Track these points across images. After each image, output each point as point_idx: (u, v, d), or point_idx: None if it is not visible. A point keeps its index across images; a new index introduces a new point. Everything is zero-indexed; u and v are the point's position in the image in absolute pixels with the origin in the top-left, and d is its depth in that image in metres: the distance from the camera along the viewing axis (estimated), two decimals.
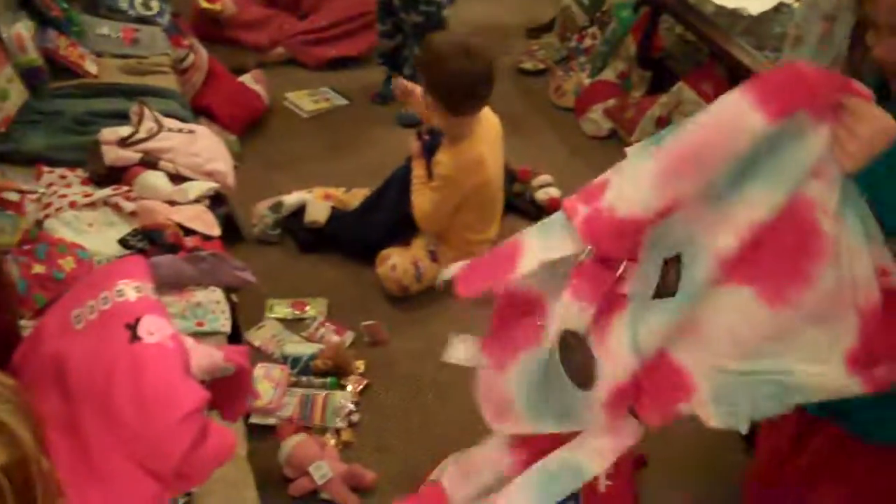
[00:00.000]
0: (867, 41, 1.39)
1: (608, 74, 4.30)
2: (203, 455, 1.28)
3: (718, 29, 3.54)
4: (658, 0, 3.88)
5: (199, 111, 3.58)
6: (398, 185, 3.15)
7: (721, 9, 3.56)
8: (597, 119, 4.13)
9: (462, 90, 2.91)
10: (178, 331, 1.34)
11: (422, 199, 3.08)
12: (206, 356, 1.41)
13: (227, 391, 1.49)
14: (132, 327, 1.29)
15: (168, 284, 2.29)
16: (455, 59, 2.88)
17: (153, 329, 1.30)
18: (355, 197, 3.34)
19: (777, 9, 3.54)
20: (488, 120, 3.14)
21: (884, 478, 1.68)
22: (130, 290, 1.35)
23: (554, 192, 3.58)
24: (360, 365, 2.79)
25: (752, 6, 3.53)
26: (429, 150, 3.11)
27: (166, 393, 1.26)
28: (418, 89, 3.13)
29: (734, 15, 3.54)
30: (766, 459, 1.99)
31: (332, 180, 3.49)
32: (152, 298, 1.38)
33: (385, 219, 3.16)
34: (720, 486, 2.51)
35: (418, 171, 3.12)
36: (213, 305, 2.29)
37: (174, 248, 2.40)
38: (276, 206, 3.28)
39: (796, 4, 3.51)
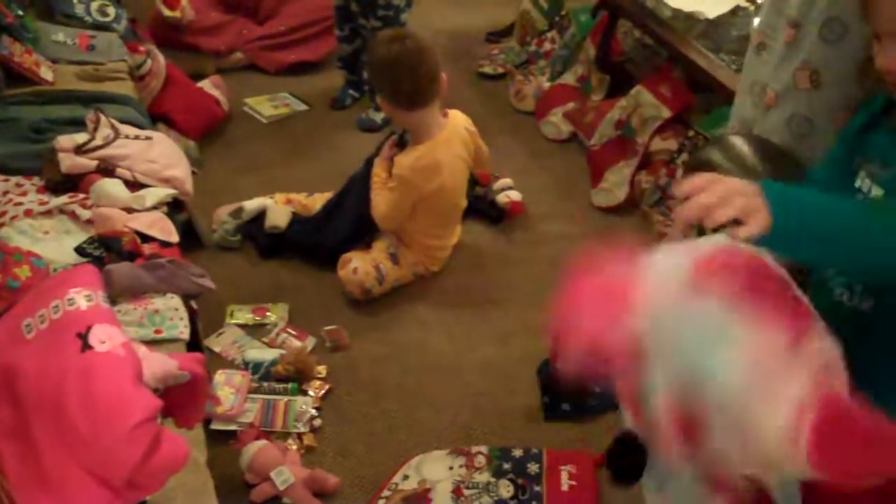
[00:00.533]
0: (872, 52, 1.36)
1: (568, 78, 4.33)
2: (156, 464, 1.27)
3: (675, 32, 3.58)
4: (616, 4, 3.91)
5: (158, 117, 3.56)
6: (357, 189, 3.15)
7: (678, 12, 3.60)
8: (557, 122, 4.15)
9: (399, 77, 2.93)
10: (130, 339, 1.34)
11: (379, 199, 3.10)
12: (160, 364, 1.40)
13: (182, 399, 1.48)
14: (83, 336, 1.29)
15: (126, 292, 2.28)
16: (387, 45, 2.96)
17: (104, 337, 1.29)
18: (317, 201, 3.33)
19: (734, 12, 3.58)
20: (456, 125, 3.15)
21: None
22: (81, 298, 1.34)
23: (514, 195, 3.60)
24: (321, 370, 2.79)
25: (709, 10, 3.56)
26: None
27: (118, 402, 1.25)
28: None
29: (691, 18, 3.58)
30: None
31: (293, 185, 3.48)
32: (104, 307, 1.37)
33: (345, 223, 3.16)
34: None
35: (380, 171, 3.12)
36: (171, 312, 2.28)
37: (132, 256, 2.39)
38: (237, 212, 3.27)
39: (752, 8, 3.56)
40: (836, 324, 1.28)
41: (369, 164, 3.19)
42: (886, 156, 1.41)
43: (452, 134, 3.12)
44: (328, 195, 3.29)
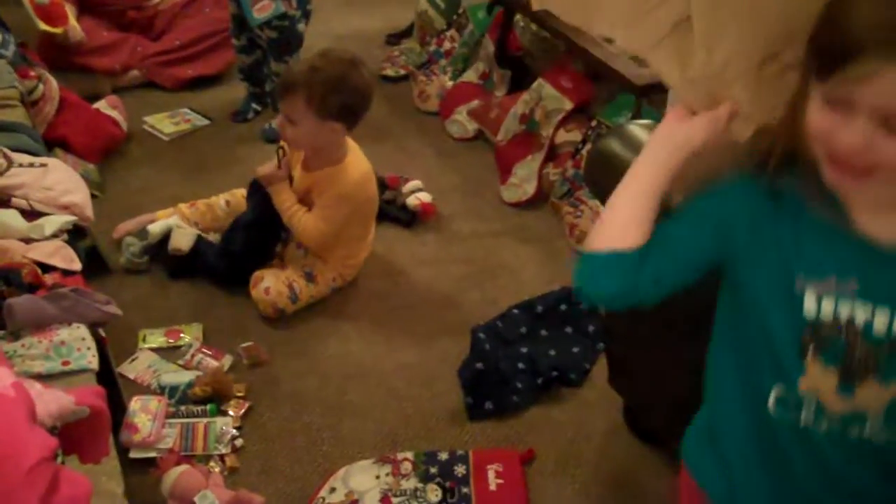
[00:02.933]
0: (815, 126, 1.17)
1: (470, 76, 4.33)
2: None
3: (570, 25, 3.59)
4: (509, 1, 3.92)
5: (54, 142, 3.48)
6: (254, 201, 3.09)
7: None
8: (462, 121, 4.15)
9: (366, 103, 2.92)
10: (19, 378, 1.29)
11: (307, 223, 3.00)
12: (55, 401, 1.35)
13: (84, 434, 1.44)
14: None
15: (29, 325, 2.22)
16: (355, 73, 2.88)
17: None
18: (220, 199, 3.34)
19: None
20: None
21: None
22: None
23: (425, 196, 3.59)
24: (240, 388, 2.74)
25: None
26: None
27: (11, 445, 1.20)
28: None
29: None
30: None
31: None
32: None
33: (246, 236, 3.10)
34: (610, 475, 2.55)
35: (286, 196, 3.03)
36: (78, 343, 2.23)
37: (33, 287, 2.33)
38: (142, 234, 3.20)
39: None
40: None
41: (256, 184, 3.13)
42: (836, 266, 1.22)
43: (353, 142, 3.10)
44: (229, 195, 3.28)
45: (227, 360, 2.86)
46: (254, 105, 4.18)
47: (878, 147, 1.10)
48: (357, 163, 3.02)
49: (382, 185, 3.49)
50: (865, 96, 1.09)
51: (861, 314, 1.20)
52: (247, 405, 2.69)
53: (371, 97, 2.94)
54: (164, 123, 4.06)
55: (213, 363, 2.83)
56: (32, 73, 3.50)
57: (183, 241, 3.16)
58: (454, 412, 2.73)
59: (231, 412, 2.65)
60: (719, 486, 1.44)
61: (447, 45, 4.52)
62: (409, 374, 2.87)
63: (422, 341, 3.00)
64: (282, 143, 3.08)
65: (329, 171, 3.01)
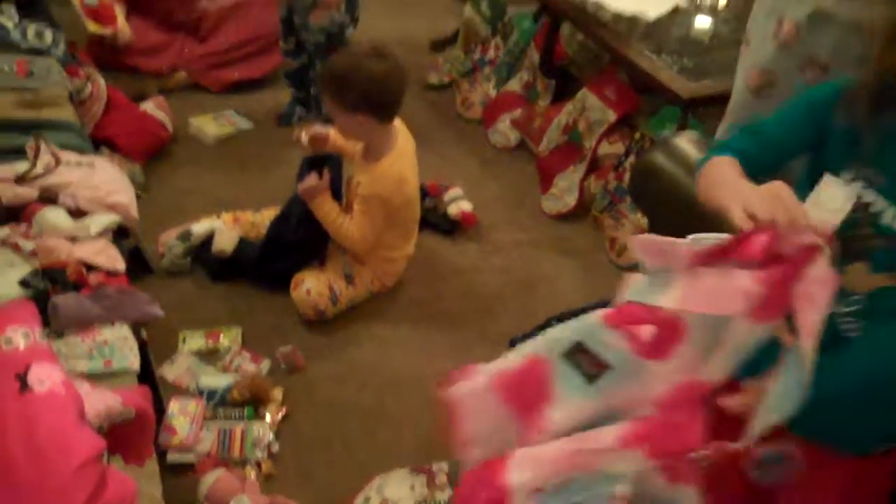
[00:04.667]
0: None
1: (513, 85, 4.32)
2: None
3: (617, 35, 3.58)
4: (557, 9, 3.90)
5: (101, 142, 3.51)
6: (300, 205, 3.09)
7: (619, 15, 3.60)
8: (504, 130, 4.14)
9: (387, 91, 2.91)
10: (70, 376, 1.30)
11: (347, 229, 3.02)
12: (102, 401, 1.36)
13: (129, 436, 1.45)
14: (22, 377, 1.25)
15: (73, 324, 2.23)
16: (371, 61, 2.88)
17: (43, 377, 1.26)
18: (265, 218, 3.29)
19: (674, 13, 3.59)
20: (404, 135, 3.13)
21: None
22: (19, 336, 1.30)
23: (465, 205, 3.58)
24: (278, 393, 2.74)
25: (650, 11, 3.57)
26: (333, 186, 3.07)
27: (61, 443, 1.22)
28: (330, 131, 3.08)
29: (632, 20, 3.58)
30: None
31: (241, 204, 3.44)
32: (42, 344, 1.33)
33: (292, 242, 3.10)
34: None
35: (326, 205, 3.03)
36: (120, 343, 2.23)
37: (77, 286, 2.34)
38: (185, 235, 3.21)
39: (686, 4, 3.59)
40: None
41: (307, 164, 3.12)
42: (878, 162, 1.42)
43: (405, 144, 3.11)
44: (275, 211, 3.24)
45: (266, 365, 2.86)
46: (298, 109, 4.19)
47: None
48: (393, 164, 3.02)
49: (423, 192, 3.48)
50: None
51: (879, 204, 1.41)
52: (284, 410, 2.69)
53: (395, 84, 2.91)
54: (208, 125, 4.09)
55: (252, 367, 2.84)
56: (81, 73, 3.53)
57: (227, 242, 3.17)
58: None
59: (268, 417, 2.66)
60: None
61: (492, 53, 4.51)
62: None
63: (460, 350, 2.99)
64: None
65: (365, 169, 3.04)
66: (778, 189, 1.30)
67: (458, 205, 3.58)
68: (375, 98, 2.90)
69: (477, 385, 1.64)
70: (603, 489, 1.37)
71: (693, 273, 1.32)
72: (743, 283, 1.26)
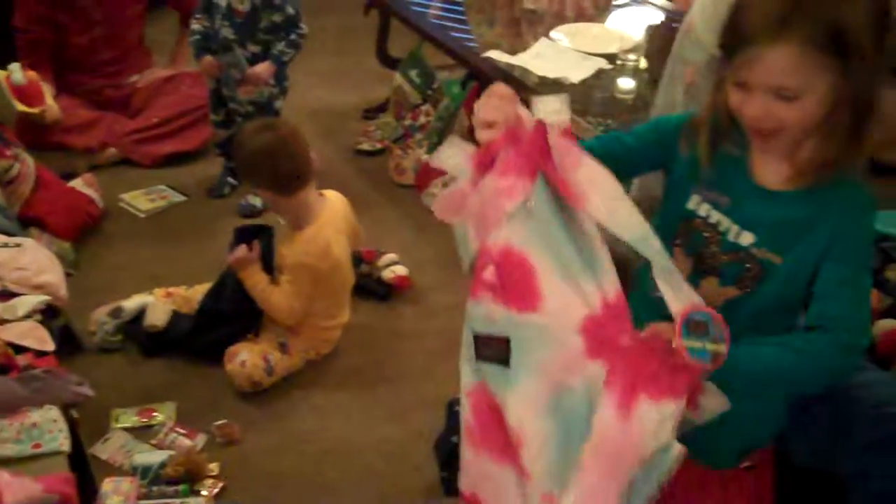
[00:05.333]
0: (731, 102, 1.48)
1: None
2: None
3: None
4: (484, 75, 3.97)
5: (29, 221, 3.48)
6: (232, 280, 3.09)
7: (544, 79, 3.68)
8: (438, 193, 4.17)
9: (278, 164, 2.95)
10: None
11: (276, 300, 3.03)
12: (22, 490, 1.35)
13: None
14: None
15: (0, 408, 2.20)
16: (258, 135, 2.97)
17: None
18: (198, 292, 3.27)
19: (597, 75, 3.68)
20: (334, 203, 3.16)
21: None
22: None
23: (401, 270, 3.59)
24: (213, 468, 2.71)
25: (573, 75, 3.65)
26: (265, 258, 3.08)
27: None
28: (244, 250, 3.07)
29: (557, 84, 3.65)
30: None
31: (175, 279, 3.42)
32: None
33: (226, 314, 3.10)
34: None
35: (256, 275, 3.04)
36: (50, 425, 2.21)
37: (5, 370, 2.31)
38: (116, 312, 3.18)
39: (609, 67, 3.67)
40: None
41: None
42: (722, 185, 1.58)
43: (333, 212, 3.14)
44: (208, 286, 3.23)
45: (201, 439, 2.83)
46: (229, 179, 4.19)
47: (777, 113, 1.42)
48: (318, 232, 3.04)
49: (358, 258, 3.49)
50: (756, 76, 1.40)
51: (724, 224, 1.56)
52: (220, 485, 2.66)
53: (283, 155, 2.95)
54: (140, 200, 4.07)
55: (187, 442, 2.81)
56: (9, 153, 3.52)
57: (159, 317, 3.14)
58: (431, 487, 2.70)
59: (204, 492, 2.62)
60: None
61: (422, 118, 4.56)
62: (387, 449, 2.85)
63: (399, 416, 2.98)
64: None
65: (290, 238, 3.08)
66: (495, 89, 1.50)
67: (394, 269, 3.59)
68: (267, 172, 2.95)
69: (465, 458, 1.62)
70: None
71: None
72: (491, 188, 1.41)
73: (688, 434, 1.45)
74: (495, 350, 1.48)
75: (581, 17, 4.10)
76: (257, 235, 3.07)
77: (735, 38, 1.42)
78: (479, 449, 1.57)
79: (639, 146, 1.66)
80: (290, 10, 3.81)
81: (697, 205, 1.60)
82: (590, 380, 1.41)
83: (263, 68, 3.83)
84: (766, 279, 1.54)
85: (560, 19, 4.06)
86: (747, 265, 1.55)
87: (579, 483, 1.40)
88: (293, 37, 3.86)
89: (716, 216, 1.58)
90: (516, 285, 1.43)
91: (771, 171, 1.54)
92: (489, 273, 1.44)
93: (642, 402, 1.35)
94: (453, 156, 1.50)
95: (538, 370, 1.45)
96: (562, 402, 1.45)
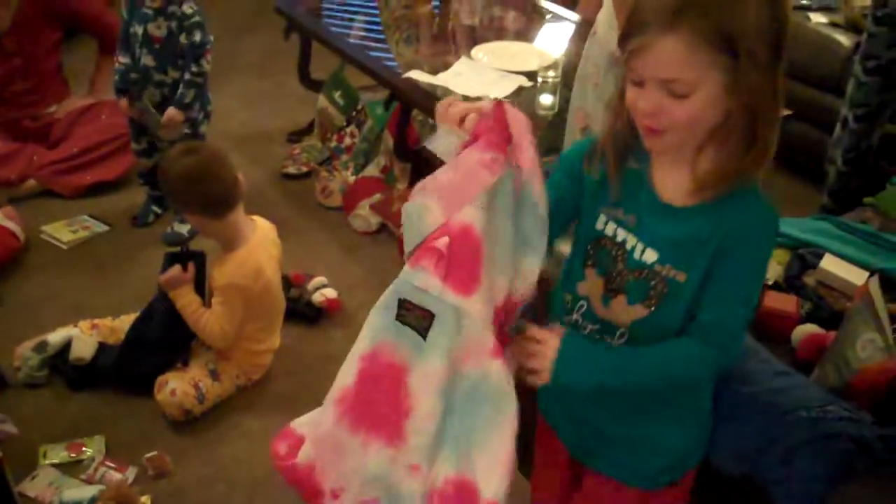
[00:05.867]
0: (628, 100, 1.50)
1: (371, 170, 4.38)
2: None
3: None
4: (406, 96, 3.99)
5: None
6: (162, 304, 3.06)
7: (466, 98, 3.70)
8: (365, 215, 4.18)
9: (206, 187, 2.94)
10: None
11: (206, 322, 3.01)
12: None
13: None
14: None
15: None
16: (183, 159, 2.96)
17: None
18: (124, 323, 3.24)
19: (517, 93, 3.72)
20: (263, 228, 3.16)
21: None
22: None
23: (330, 292, 3.59)
24: (145, 501, 2.68)
25: (494, 92, 3.68)
26: (196, 280, 3.07)
27: None
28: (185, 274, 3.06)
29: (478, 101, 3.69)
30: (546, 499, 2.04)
31: (100, 310, 3.38)
32: None
33: (154, 344, 3.06)
34: None
35: (187, 296, 3.03)
36: None
37: None
38: (41, 346, 3.12)
39: (529, 84, 3.71)
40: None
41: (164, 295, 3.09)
42: (626, 204, 1.60)
43: (262, 236, 3.14)
44: (135, 316, 3.19)
45: (132, 472, 2.80)
46: (154, 208, 4.15)
47: (668, 109, 1.43)
48: (249, 254, 3.04)
49: (287, 283, 3.48)
50: (647, 67, 1.42)
51: (630, 241, 1.57)
52: None
53: (210, 177, 2.96)
54: (62, 232, 4.01)
55: (117, 476, 2.77)
56: None
57: (85, 349, 3.10)
58: None
59: None
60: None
61: (347, 140, 4.57)
62: None
63: None
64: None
65: (222, 260, 3.07)
66: (446, 103, 1.55)
67: (323, 292, 3.59)
68: (195, 197, 2.95)
69: (321, 426, 1.68)
70: None
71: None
72: (473, 159, 1.45)
73: (607, 455, 1.71)
74: (417, 319, 1.52)
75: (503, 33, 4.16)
76: (189, 260, 3.06)
77: (631, 28, 1.43)
78: (343, 417, 1.63)
79: (560, 195, 1.64)
80: (197, 38, 3.73)
81: (604, 224, 1.61)
82: (484, 373, 1.52)
83: (173, 114, 3.78)
84: (671, 297, 1.55)
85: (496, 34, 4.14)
86: (652, 283, 1.56)
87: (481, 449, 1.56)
88: (188, 76, 3.75)
89: (622, 234, 1.59)
90: (463, 265, 1.46)
91: (672, 186, 1.55)
92: (441, 244, 1.46)
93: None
94: (447, 143, 1.52)
95: (447, 355, 1.51)
96: (454, 387, 1.54)
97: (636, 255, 1.57)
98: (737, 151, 1.46)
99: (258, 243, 3.09)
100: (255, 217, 3.20)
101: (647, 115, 1.46)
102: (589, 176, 1.63)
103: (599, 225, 1.62)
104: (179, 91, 3.77)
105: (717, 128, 1.46)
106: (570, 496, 1.91)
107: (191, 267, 3.04)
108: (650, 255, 1.55)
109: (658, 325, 1.57)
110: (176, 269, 3.01)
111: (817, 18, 4.38)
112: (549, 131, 3.44)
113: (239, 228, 3.06)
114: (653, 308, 1.57)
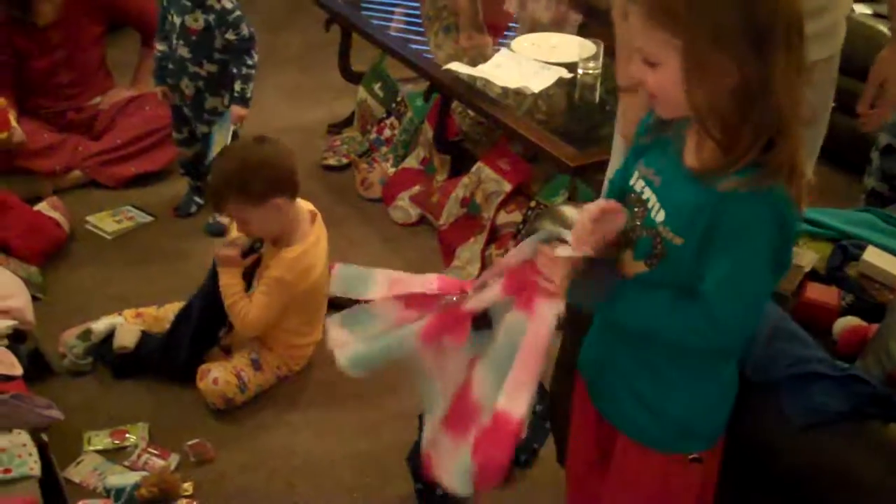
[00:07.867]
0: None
1: (411, 162, 4.40)
2: None
3: (506, 109, 3.68)
4: (446, 88, 4.00)
5: None
6: (202, 296, 3.09)
7: (506, 90, 3.71)
8: (405, 206, 4.20)
9: (284, 168, 3.00)
10: None
11: (246, 308, 3.03)
12: None
13: None
14: None
15: None
16: (257, 148, 3.01)
17: None
18: (168, 312, 3.27)
19: (558, 84, 3.71)
20: (320, 224, 3.20)
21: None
22: None
23: None
24: (187, 487, 2.71)
25: (534, 84, 3.68)
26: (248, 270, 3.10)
27: None
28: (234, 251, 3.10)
29: (519, 94, 3.69)
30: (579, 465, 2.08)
31: (143, 300, 3.42)
32: None
33: (194, 333, 3.10)
34: None
35: (233, 280, 3.05)
36: (18, 449, 2.21)
37: None
38: (85, 334, 3.17)
39: (570, 76, 3.71)
40: None
41: (214, 274, 3.12)
42: (658, 164, 1.66)
43: (322, 235, 3.18)
44: (179, 305, 3.23)
45: (174, 459, 2.83)
46: (196, 199, 4.19)
47: (643, 76, 1.53)
48: (304, 252, 3.05)
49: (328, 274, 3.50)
50: (628, 32, 1.54)
51: (652, 200, 1.63)
52: None
53: (288, 160, 3.03)
54: (106, 222, 4.06)
55: (160, 462, 2.81)
56: None
57: (128, 338, 3.14)
58: (405, 499, 2.72)
59: None
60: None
61: (387, 132, 4.59)
62: (359, 463, 2.86)
63: (371, 429, 3.00)
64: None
65: (276, 252, 3.06)
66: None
67: None
68: (280, 177, 2.96)
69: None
70: None
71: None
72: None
73: (621, 409, 1.80)
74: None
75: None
76: (254, 252, 3.12)
77: None
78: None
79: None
80: (245, 32, 3.77)
81: (636, 180, 1.68)
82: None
83: (241, 112, 3.84)
84: (669, 260, 1.59)
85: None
86: (655, 242, 1.61)
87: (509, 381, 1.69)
88: (244, 70, 3.79)
89: (648, 193, 1.64)
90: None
91: (693, 155, 1.59)
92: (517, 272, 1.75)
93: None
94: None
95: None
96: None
97: (652, 213, 1.62)
98: (717, 128, 1.49)
99: (315, 242, 3.11)
100: (313, 208, 3.23)
101: (637, 79, 1.56)
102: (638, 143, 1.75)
103: (632, 181, 1.70)
104: (239, 87, 3.80)
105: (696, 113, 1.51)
106: (604, 467, 1.92)
107: (253, 255, 3.10)
108: (660, 216, 1.60)
109: (655, 285, 1.63)
110: (234, 251, 3.06)
111: (861, 9, 4.33)
112: (590, 126, 3.44)
113: (298, 221, 3.09)
114: (652, 267, 1.63)
